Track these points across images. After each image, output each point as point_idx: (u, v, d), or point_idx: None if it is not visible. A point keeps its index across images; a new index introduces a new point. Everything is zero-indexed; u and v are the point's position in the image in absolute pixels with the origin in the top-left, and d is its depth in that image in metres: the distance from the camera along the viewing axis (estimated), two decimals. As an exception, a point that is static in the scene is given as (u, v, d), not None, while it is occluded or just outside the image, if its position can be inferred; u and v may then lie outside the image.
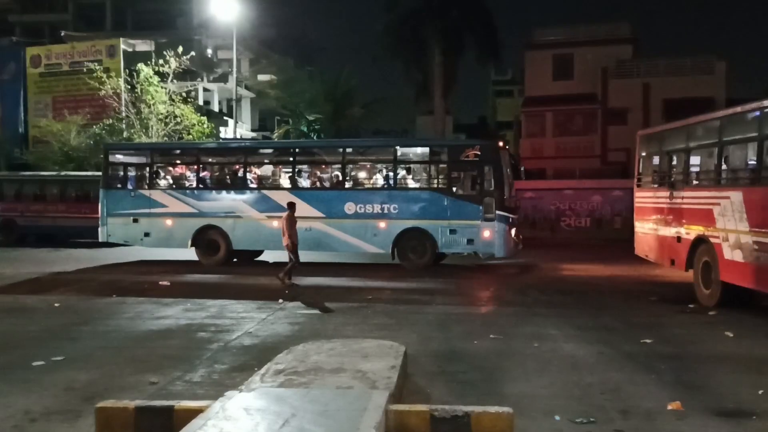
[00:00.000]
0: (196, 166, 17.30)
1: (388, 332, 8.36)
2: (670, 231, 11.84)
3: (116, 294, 11.90)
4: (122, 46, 32.16)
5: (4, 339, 8.45)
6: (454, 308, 10.66)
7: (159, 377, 6.49)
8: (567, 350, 7.65)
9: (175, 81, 27.13)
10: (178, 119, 26.18)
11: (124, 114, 27.01)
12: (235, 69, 30.57)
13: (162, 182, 17.44)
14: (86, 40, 34.94)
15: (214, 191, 16.92)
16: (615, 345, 7.90)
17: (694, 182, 11.48)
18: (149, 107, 25.97)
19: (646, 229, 13.06)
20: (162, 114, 26.09)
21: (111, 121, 26.90)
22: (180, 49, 25.97)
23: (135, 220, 16.71)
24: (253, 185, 16.82)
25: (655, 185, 13.00)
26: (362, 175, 16.88)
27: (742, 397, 5.89)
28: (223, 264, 16.27)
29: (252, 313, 10.11)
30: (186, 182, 17.51)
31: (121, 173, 17.82)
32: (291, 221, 13.25)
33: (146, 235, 16.85)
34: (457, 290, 12.89)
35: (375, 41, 32.50)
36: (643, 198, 13.43)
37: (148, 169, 17.56)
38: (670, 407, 5.49)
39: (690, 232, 11.05)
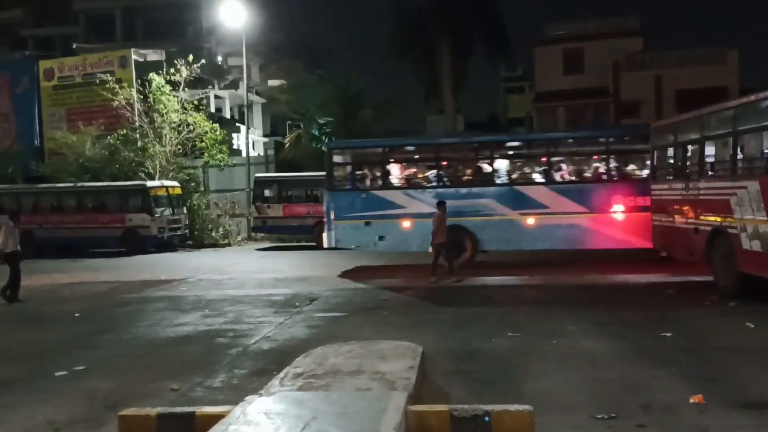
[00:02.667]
0: (435, 163, 16.22)
1: (405, 333, 8.35)
2: (686, 223, 11.75)
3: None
4: (133, 57, 32.40)
5: (26, 350, 8.57)
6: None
7: (179, 384, 6.54)
8: (586, 346, 7.62)
9: (186, 89, 27.27)
10: (191, 127, 26.33)
11: (137, 124, 27.21)
12: (245, 75, 30.71)
13: (397, 181, 16.36)
14: (97, 51, 35.24)
15: (458, 189, 15.75)
16: (634, 339, 7.86)
17: (710, 173, 11.38)
18: (162, 116, 26.13)
19: (663, 222, 12.96)
20: (175, 122, 26.25)
21: (125, 131, 27.10)
22: (190, 58, 26.11)
23: (367, 223, 15.55)
24: (503, 181, 15.71)
25: (670, 177, 12.90)
26: (631, 166, 15.47)
27: (765, 388, 5.83)
28: (469, 266, 15.32)
29: (269, 318, 10.15)
30: (425, 180, 16.32)
31: (349, 174, 16.70)
32: (441, 221, 13.33)
33: (381, 238, 15.66)
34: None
35: (383, 42, 32.47)
36: (658, 190, 13.33)
37: (380, 167, 16.49)
38: (691, 400, 5.45)
39: (707, 223, 10.95)
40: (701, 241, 11.10)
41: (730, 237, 10.16)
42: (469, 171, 16.39)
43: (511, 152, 16.73)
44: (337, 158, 16.72)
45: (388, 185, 16.07)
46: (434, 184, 15.94)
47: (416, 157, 17.36)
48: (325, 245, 16.31)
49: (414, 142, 19.45)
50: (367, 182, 16.54)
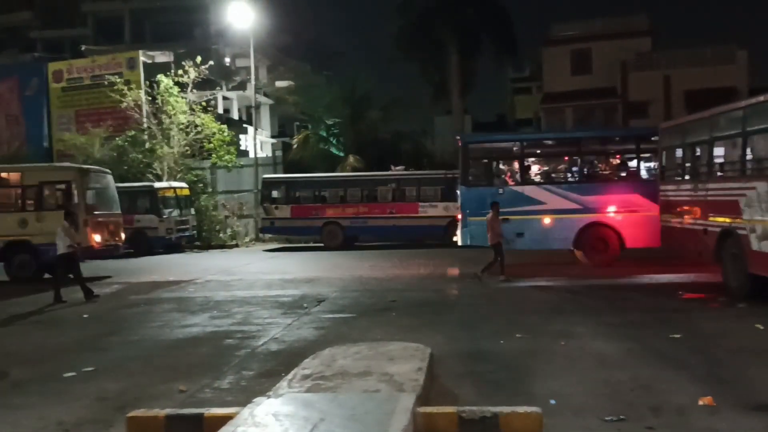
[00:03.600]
0: (577, 157, 15.78)
1: (413, 334, 8.35)
2: (695, 223, 11.70)
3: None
4: (142, 58, 32.51)
5: (35, 351, 8.61)
6: None
7: (188, 385, 6.55)
8: (595, 347, 7.58)
9: (194, 91, 27.36)
10: (199, 128, 26.41)
11: (145, 125, 27.32)
12: (253, 76, 30.77)
13: (536, 176, 15.99)
14: (106, 53, 35.38)
15: (602, 184, 15.35)
16: (643, 341, 7.82)
17: (719, 174, 11.34)
18: (170, 118, 26.23)
19: (672, 223, 12.92)
20: (183, 124, 26.33)
21: (133, 132, 27.21)
22: (198, 59, 26.18)
23: (504, 220, 14.71)
24: (649, 176, 15.08)
25: (679, 178, 12.86)
26: None
27: (775, 390, 5.80)
28: (610, 264, 14.81)
29: (277, 319, 10.16)
30: (567, 175, 15.97)
31: (485, 169, 16.38)
32: (493, 221, 13.46)
33: (519, 235, 15.02)
34: None
35: (391, 43, 32.52)
36: (667, 191, 13.28)
37: (518, 162, 16.03)
38: (701, 403, 5.42)
39: (716, 224, 10.90)
40: (710, 242, 11.05)
41: (740, 238, 10.11)
42: (612, 165, 15.98)
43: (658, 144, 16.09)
44: (472, 153, 16.16)
45: (526, 180, 15.67)
46: (576, 178, 15.57)
47: (557, 151, 16.83)
48: (460, 243, 15.87)
49: (555, 136, 18.99)
50: (505, 177, 16.14)
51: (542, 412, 4.73)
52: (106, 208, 17.26)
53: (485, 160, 16.45)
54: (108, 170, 19.04)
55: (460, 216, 15.63)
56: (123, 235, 18.14)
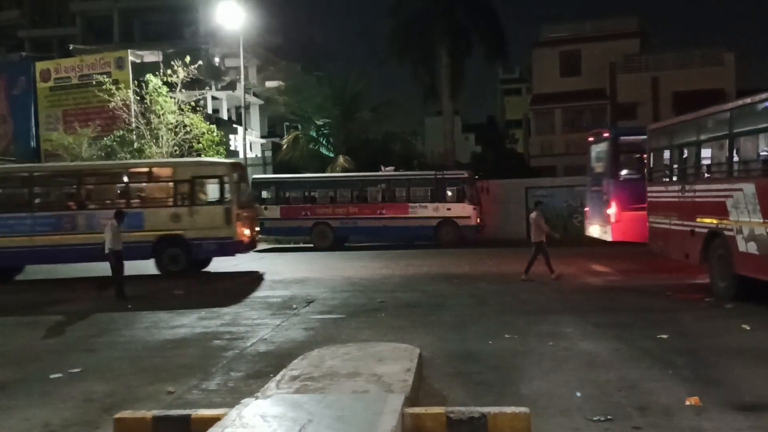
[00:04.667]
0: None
1: (402, 334, 8.36)
2: (683, 225, 11.76)
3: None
4: (130, 58, 32.32)
5: (22, 352, 8.55)
6: None
7: (176, 386, 6.53)
8: (583, 348, 7.62)
9: (183, 90, 27.20)
10: (188, 128, 26.27)
11: (134, 125, 27.15)
12: (242, 76, 30.66)
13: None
14: (94, 52, 35.16)
15: None
16: (631, 341, 7.87)
17: (706, 175, 11.41)
18: (159, 117, 26.07)
19: (659, 224, 12.98)
20: (171, 124, 26.18)
21: (121, 132, 27.05)
22: (188, 59, 26.02)
23: None
24: None
25: (667, 179, 12.92)
26: None
27: (761, 390, 5.84)
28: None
29: (266, 320, 10.14)
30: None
31: (636, 162, 15.80)
32: (537, 222, 13.57)
33: None
34: None
35: (382, 44, 32.60)
36: (655, 192, 13.35)
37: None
38: (688, 402, 5.46)
39: (703, 225, 10.97)
40: (698, 244, 11.12)
41: (727, 239, 10.18)
42: None
43: None
44: (623, 146, 15.93)
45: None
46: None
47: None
48: (609, 239, 15.59)
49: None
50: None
51: (530, 412, 4.75)
52: (248, 202, 17.54)
53: (636, 154, 16.01)
54: (244, 164, 19.45)
55: (610, 211, 15.16)
56: (258, 229, 18.48)
